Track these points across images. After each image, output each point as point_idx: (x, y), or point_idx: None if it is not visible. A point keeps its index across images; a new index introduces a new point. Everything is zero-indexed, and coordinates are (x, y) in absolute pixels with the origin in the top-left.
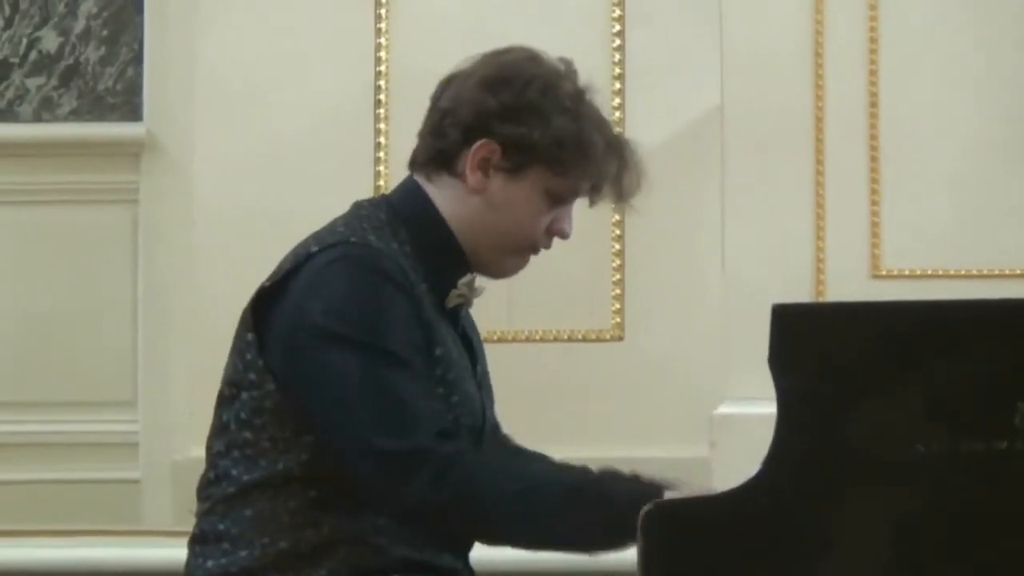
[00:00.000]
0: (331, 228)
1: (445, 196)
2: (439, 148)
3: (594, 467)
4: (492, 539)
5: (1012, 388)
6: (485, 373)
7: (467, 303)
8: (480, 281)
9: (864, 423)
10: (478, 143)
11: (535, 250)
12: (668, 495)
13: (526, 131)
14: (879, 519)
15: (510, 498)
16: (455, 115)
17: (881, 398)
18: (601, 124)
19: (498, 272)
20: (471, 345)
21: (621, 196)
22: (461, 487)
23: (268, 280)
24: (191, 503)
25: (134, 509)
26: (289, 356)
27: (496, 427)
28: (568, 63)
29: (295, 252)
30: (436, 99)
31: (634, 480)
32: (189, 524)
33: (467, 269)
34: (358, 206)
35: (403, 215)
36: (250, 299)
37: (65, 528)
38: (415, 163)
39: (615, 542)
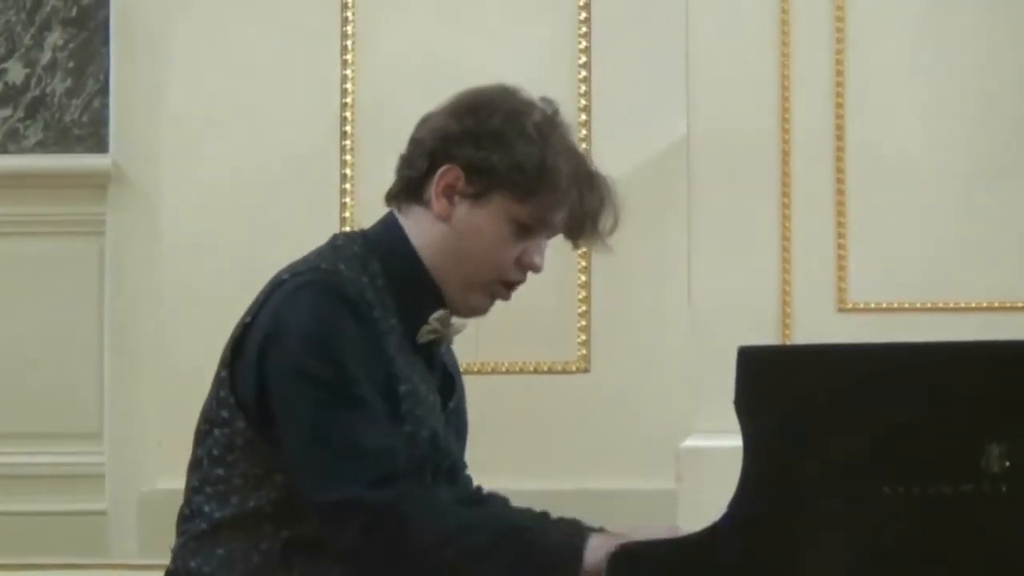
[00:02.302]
0: (304, 258)
1: (416, 226)
2: (408, 177)
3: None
4: None
5: (978, 430)
6: (458, 410)
7: (443, 339)
8: (459, 319)
9: (831, 466)
10: (442, 169)
11: (504, 284)
12: (593, 542)
13: (486, 155)
14: (846, 563)
15: (438, 545)
16: (422, 144)
17: (847, 441)
18: (571, 156)
19: (464, 308)
20: (451, 382)
21: (598, 232)
22: (391, 536)
23: (248, 316)
24: (158, 535)
25: (101, 541)
26: (257, 383)
27: (462, 465)
28: (549, 101)
29: (269, 283)
30: (413, 134)
31: (568, 529)
32: (155, 557)
33: (439, 304)
34: (334, 238)
35: (377, 248)
36: (231, 335)
37: (31, 561)
38: (390, 196)
39: None
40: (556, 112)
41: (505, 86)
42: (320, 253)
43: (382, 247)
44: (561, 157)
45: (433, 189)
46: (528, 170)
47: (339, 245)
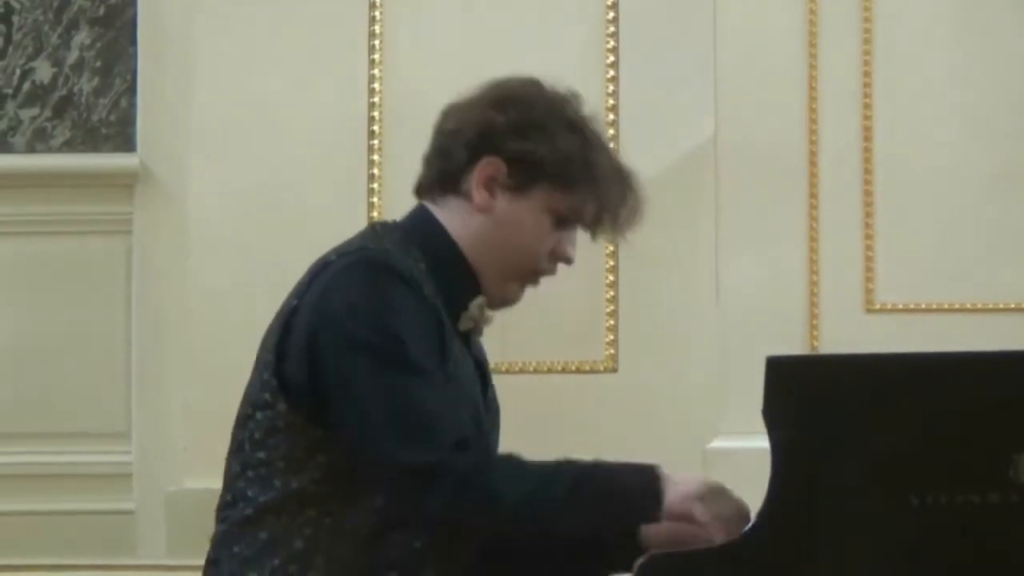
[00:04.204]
0: (348, 242)
1: (452, 217)
2: (444, 168)
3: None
4: (506, 538)
5: (1005, 440)
6: (494, 400)
7: (478, 329)
8: (489, 310)
9: (858, 476)
10: (484, 161)
11: (537, 275)
12: (669, 486)
13: (532, 147)
14: (874, 573)
15: (522, 502)
16: (461, 135)
17: (875, 451)
18: (605, 148)
19: (499, 297)
20: (484, 373)
21: (619, 225)
22: (478, 500)
23: (295, 298)
24: (186, 535)
25: (128, 540)
26: (310, 361)
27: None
28: (573, 91)
29: (313, 265)
30: (441, 124)
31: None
32: (183, 557)
33: (477, 291)
34: (372, 226)
35: (415, 237)
36: (276, 318)
37: (59, 562)
38: (421, 189)
39: (624, 522)
40: (580, 100)
41: (533, 78)
42: (364, 236)
43: (421, 236)
44: (599, 151)
45: (474, 181)
46: (573, 162)
47: (380, 232)
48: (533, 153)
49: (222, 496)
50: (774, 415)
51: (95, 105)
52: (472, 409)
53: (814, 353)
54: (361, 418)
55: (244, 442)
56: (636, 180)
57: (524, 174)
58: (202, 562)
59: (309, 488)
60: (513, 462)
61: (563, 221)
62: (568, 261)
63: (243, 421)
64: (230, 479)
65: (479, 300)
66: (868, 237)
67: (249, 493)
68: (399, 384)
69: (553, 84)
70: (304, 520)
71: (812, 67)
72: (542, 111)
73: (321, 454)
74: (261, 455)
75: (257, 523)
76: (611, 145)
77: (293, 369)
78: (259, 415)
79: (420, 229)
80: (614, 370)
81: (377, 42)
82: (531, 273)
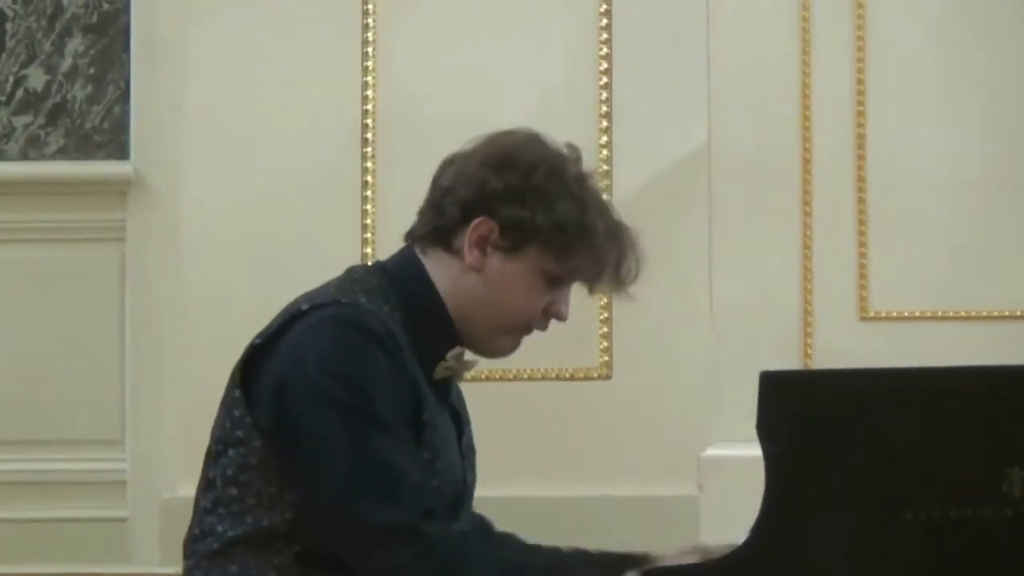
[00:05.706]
0: (323, 289)
1: (441, 271)
2: (437, 224)
3: (564, 548)
4: None
5: (998, 455)
6: (470, 444)
7: (456, 376)
8: (471, 355)
9: (852, 491)
10: (476, 221)
11: (528, 330)
12: None
13: (529, 215)
14: None
15: None
16: (455, 193)
17: (869, 466)
18: (603, 209)
19: (490, 351)
20: (458, 416)
21: (619, 283)
22: (442, 569)
23: (259, 338)
24: (179, 542)
25: (122, 548)
26: (277, 411)
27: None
28: (573, 147)
29: (286, 310)
30: (438, 178)
31: (601, 560)
32: (177, 564)
33: (456, 342)
34: (352, 270)
35: (396, 282)
36: (240, 357)
37: (53, 569)
38: (413, 236)
39: None
40: (580, 157)
41: (533, 133)
42: (339, 285)
43: (402, 283)
44: (597, 214)
45: (465, 240)
46: (569, 230)
47: (358, 278)
48: (529, 220)
49: (190, 530)
50: (768, 429)
51: (88, 112)
52: (444, 460)
53: (807, 368)
54: (325, 472)
55: (216, 479)
56: (635, 238)
57: (518, 237)
58: None
59: (281, 526)
60: (481, 542)
61: (556, 281)
62: (561, 319)
63: (214, 458)
64: (200, 514)
65: (456, 351)
66: (862, 245)
67: (219, 528)
68: (366, 441)
69: (553, 140)
70: (274, 551)
71: (805, 74)
72: (542, 176)
73: (292, 492)
74: (233, 492)
75: (226, 556)
76: (598, 156)
77: (260, 413)
78: (231, 452)
79: (405, 276)
80: (608, 377)
81: (370, 48)
82: (523, 328)
